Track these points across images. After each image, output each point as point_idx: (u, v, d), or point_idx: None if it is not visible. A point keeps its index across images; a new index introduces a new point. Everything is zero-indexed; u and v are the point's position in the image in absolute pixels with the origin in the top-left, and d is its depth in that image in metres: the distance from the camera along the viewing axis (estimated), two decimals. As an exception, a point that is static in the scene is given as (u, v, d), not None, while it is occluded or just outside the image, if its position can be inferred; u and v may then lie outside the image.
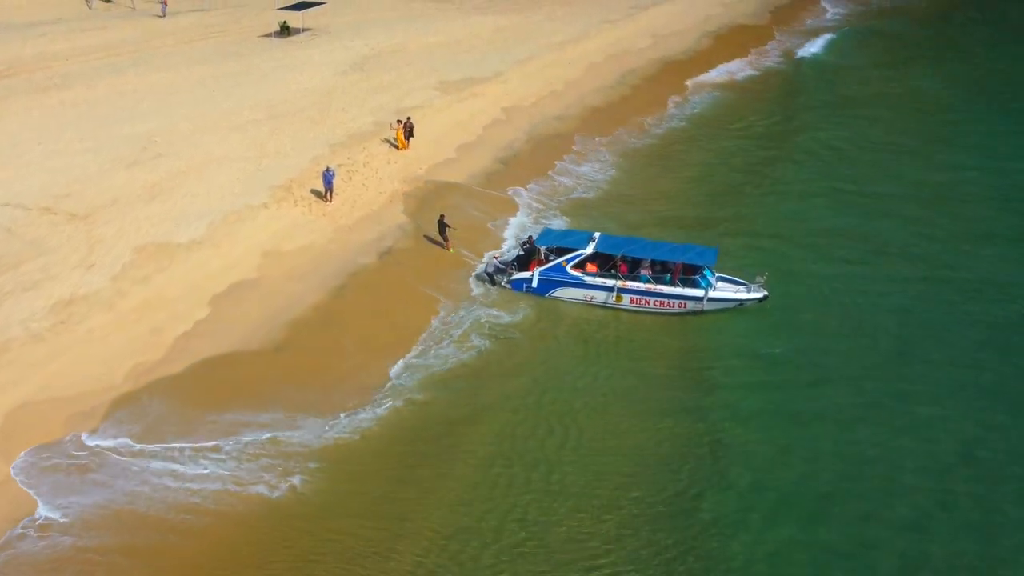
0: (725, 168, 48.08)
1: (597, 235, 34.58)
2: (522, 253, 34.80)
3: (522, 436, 26.59)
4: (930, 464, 25.65)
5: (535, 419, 27.31)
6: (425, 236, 37.13)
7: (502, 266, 34.68)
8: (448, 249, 36.44)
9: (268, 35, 62.52)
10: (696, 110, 57.38)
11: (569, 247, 33.81)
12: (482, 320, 32.38)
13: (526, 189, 43.34)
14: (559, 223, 39.90)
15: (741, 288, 32.91)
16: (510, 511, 23.75)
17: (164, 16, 66.16)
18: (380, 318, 31.70)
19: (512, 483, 24.73)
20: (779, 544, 22.87)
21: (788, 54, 71.53)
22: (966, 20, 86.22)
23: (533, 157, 46.63)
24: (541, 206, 42.00)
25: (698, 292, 32.57)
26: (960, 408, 28.09)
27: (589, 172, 46.53)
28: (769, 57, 70.43)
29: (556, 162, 46.78)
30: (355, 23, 66.90)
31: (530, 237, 35.61)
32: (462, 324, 32.06)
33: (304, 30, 63.61)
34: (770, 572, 22.11)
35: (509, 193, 42.55)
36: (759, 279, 32.73)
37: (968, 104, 60.36)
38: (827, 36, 77.75)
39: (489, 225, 39.49)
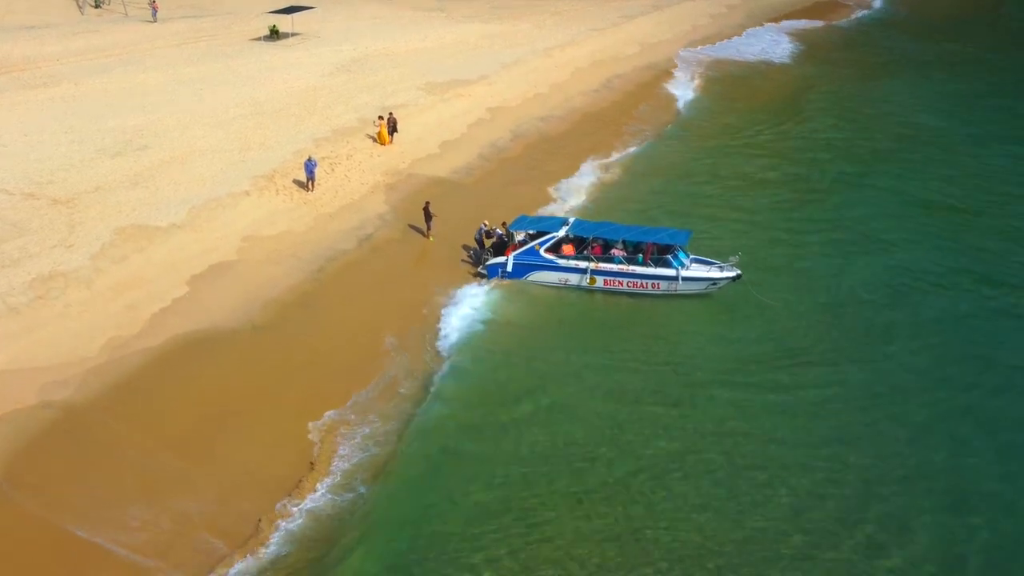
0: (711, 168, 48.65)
1: (571, 219, 34.93)
2: (496, 240, 35.14)
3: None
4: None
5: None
6: (410, 225, 37.45)
7: (480, 251, 35.05)
8: (428, 237, 36.74)
9: (258, 39, 63.16)
10: (683, 114, 58.00)
11: (543, 231, 34.14)
12: (460, 303, 32.64)
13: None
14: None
15: (714, 267, 33.24)
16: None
17: (155, 21, 66.76)
18: (357, 301, 31.88)
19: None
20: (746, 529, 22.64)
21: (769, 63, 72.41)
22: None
23: (519, 155, 47.04)
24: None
25: (670, 272, 32.89)
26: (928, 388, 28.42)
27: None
28: (753, 66, 71.20)
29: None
30: (344, 29, 67.64)
31: (504, 224, 36.02)
32: (438, 307, 32.26)
33: (293, 34, 64.25)
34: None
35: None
36: (732, 259, 33.09)
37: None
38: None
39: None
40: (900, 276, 35.63)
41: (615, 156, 48.94)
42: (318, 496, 22.89)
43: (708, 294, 33.44)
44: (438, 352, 29.66)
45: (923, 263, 36.91)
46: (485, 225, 35.41)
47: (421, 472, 23.89)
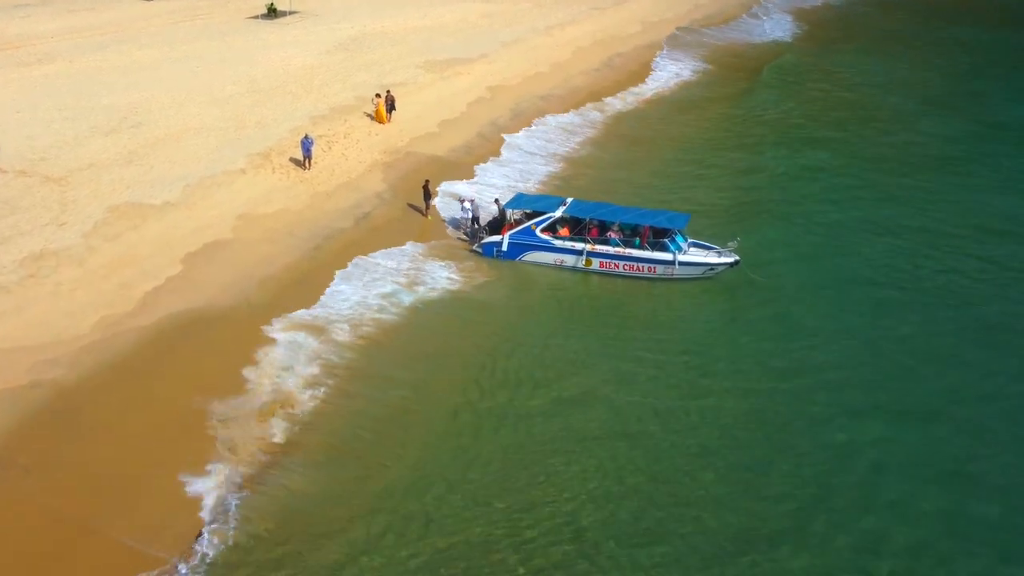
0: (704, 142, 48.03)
1: (569, 200, 34.39)
2: (494, 217, 34.66)
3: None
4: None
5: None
6: (408, 204, 36.95)
7: (471, 229, 34.56)
8: (426, 216, 36.24)
9: (255, 17, 62.44)
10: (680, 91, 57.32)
11: (539, 211, 33.62)
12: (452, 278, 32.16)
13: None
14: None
15: (712, 252, 32.72)
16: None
17: (152, -1, 66.08)
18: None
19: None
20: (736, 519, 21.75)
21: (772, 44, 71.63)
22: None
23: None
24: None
25: (668, 256, 32.38)
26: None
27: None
28: (758, 47, 70.42)
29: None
30: (343, 6, 66.94)
31: (496, 200, 35.51)
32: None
33: (291, 12, 63.53)
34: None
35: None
36: (731, 244, 32.50)
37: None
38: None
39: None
40: (911, 256, 35.00)
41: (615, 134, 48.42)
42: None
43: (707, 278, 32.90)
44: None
45: (935, 242, 36.34)
46: (470, 205, 34.89)
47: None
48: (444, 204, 37.12)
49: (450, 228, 35.30)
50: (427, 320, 29.27)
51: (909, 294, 32.22)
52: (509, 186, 39.81)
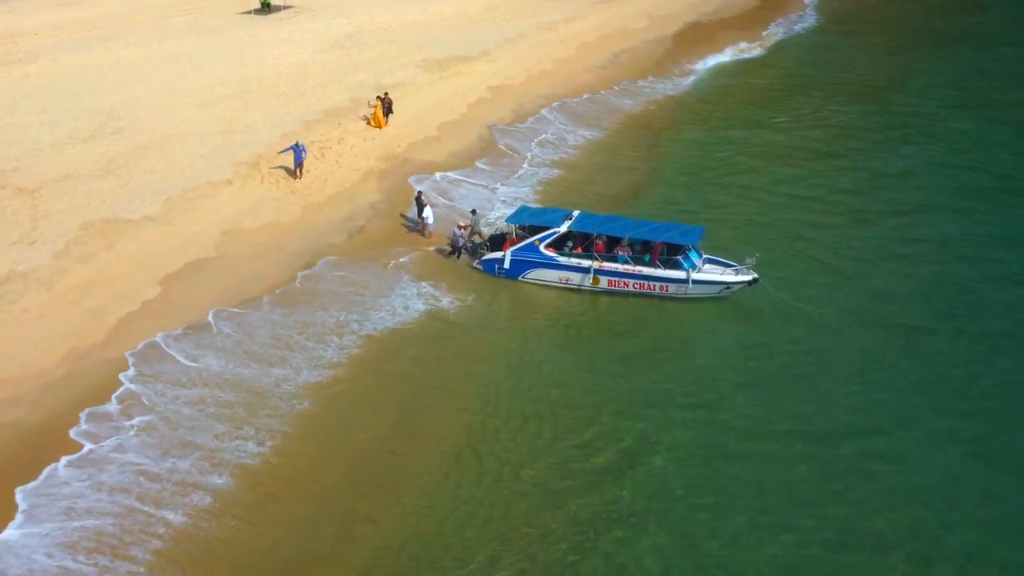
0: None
1: (576, 213, 32.22)
2: (495, 232, 32.56)
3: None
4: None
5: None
6: (401, 215, 34.86)
7: (471, 245, 32.34)
8: (422, 231, 34.03)
9: (248, 12, 60.12)
10: (696, 87, 54.97)
11: (543, 225, 31.46)
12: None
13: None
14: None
15: (729, 270, 30.57)
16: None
17: (141, -7, 63.62)
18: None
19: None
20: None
21: (785, 36, 69.08)
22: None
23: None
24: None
25: (680, 274, 30.23)
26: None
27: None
28: (770, 38, 67.86)
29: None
30: (340, 1, 64.43)
31: (473, 211, 33.63)
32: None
33: (286, 7, 61.20)
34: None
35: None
36: (748, 260, 30.24)
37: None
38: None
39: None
40: (946, 275, 32.67)
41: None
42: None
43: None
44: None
45: (975, 256, 34.11)
46: (460, 228, 32.72)
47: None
48: (442, 214, 34.79)
49: (443, 254, 32.91)
50: (414, 350, 27.07)
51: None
52: (510, 193, 37.78)
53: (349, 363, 25.93)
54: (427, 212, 33.22)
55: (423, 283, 30.48)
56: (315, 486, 21.48)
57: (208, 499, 20.47)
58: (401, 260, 31.58)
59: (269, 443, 22.38)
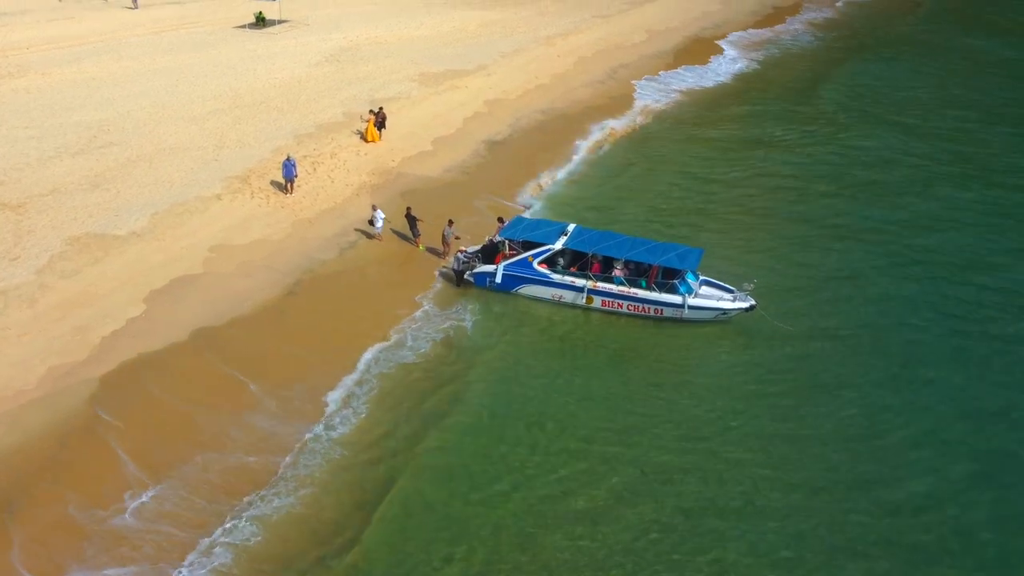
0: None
1: (571, 227, 31.54)
2: (487, 244, 31.88)
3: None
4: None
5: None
6: (393, 231, 34.20)
7: (466, 259, 31.65)
8: (418, 245, 33.44)
9: (242, 26, 59.68)
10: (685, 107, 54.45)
11: (537, 241, 30.78)
12: (444, 326, 29.23)
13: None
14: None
15: (726, 296, 29.82)
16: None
17: (136, 7, 63.19)
18: (334, 320, 28.60)
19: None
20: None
21: (784, 50, 68.69)
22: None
23: (518, 152, 43.59)
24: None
25: (676, 299, 29.50)
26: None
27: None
28: (766, 51, 67.47)
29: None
30: (335, 15, 64.10)
31: (450, 221, 33.01)
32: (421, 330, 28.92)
33: (280, 21, 60.77)
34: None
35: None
36: (746, 286, 29.47)
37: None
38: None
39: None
40: (940, 296, 32.27)
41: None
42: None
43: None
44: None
45: (967, 279, 33.58)
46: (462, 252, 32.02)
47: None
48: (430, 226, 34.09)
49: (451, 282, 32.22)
50: (402, 373, 26.45)
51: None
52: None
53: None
54: (379, 215, 32.67)
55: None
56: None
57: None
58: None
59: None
